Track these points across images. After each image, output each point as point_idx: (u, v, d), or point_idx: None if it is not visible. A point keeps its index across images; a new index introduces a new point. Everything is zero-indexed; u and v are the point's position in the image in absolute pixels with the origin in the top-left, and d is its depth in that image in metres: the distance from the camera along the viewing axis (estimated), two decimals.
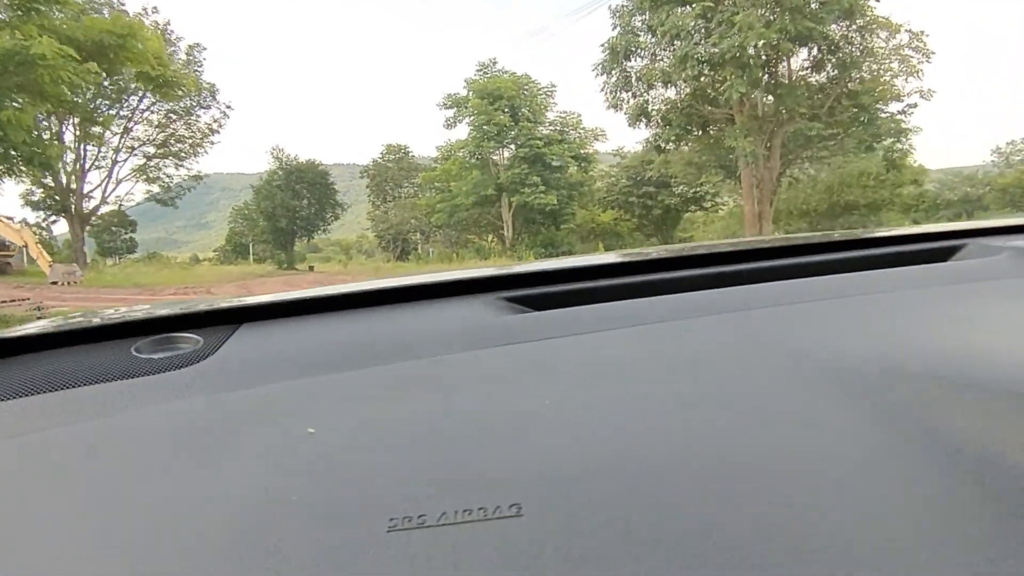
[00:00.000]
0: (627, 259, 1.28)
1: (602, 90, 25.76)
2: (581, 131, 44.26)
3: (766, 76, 23.10)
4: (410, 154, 58.65)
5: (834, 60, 23.52)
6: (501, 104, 41.27)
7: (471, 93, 42.32)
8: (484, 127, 41.01)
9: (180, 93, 34.79)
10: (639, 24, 24.45)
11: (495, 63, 43.97)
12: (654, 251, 1.48)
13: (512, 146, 42.70)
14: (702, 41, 22.35)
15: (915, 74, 22.95)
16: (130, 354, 0.91)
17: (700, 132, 26.02)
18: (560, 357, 0.85)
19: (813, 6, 22.13)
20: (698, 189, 42.67)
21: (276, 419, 0.73)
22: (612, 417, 0.68)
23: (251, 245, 60.34)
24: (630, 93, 25.55)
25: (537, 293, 1.08)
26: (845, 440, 0.60)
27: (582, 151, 44.07)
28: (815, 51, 23.66)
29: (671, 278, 1.14)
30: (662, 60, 24.48)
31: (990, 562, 0.48)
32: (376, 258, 58.11)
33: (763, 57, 22.66)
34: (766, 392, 0.71)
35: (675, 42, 23.34)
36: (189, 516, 0.58)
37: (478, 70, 43.60)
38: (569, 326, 0.93)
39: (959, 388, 0.67)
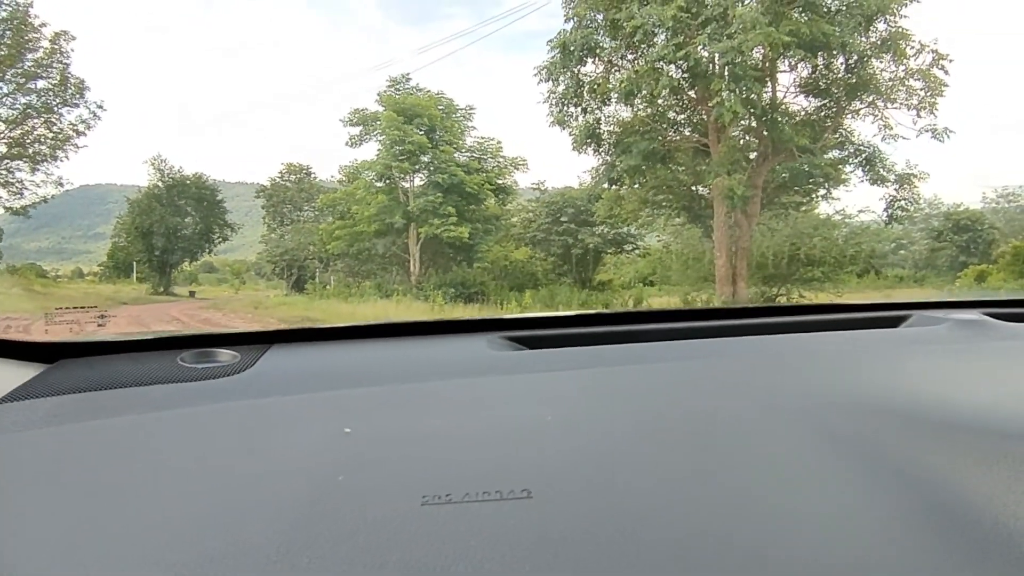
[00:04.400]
0: (621, 311, 1.46)
1: (546, 100, 18.90)
2: (501, 159, 37.73)
3: (763, 94, 16.90)
4: (312, 175, 50.94)
5: (840, 79, 17.54)
6: (418, 123, 34.45)
7: (384, 108, 35.29)
8: (396, 147, 34.07)
9: None
10: (599, 21, 17.89)
11: (408, 79, 37.11)
12: (640, 308, 1.72)
13: (425, 172, 35.90)
14: (684, 42, 16.05)
15: (930, 108, 17.20)
16: (176, 363, 0.97)
17: (660, 164, 19.69)
18: (549, 387, 0.94)
19: (832, 3, 16.02)
20: (620, 230, 37.30)
21: (313, 420, 0.80)
22: (596, 434, 0.77)
23: (135, 263, 51.73)
24: (580, 108, 18.92)
25: (531, 335, 1.17)
26: (801, 464, 0.68)
27: (500, 181, 37.56)
28: (819, 66, 17.58)
29: (652, 330, 1.22)
30: (621, 69, 18.13)
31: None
32: (263, 285, 50.03)
33: (760, 68, 16.62)
34: (733, 424, 0.78)
35: (643, 45, 17.07)
36: (243, 495, 0.65)
37: (389, 85, 36.57)
38: (557, 363, 1.03)
39: (908, 422, 0.75)
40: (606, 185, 20.33)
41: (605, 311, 1.49)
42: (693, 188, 20.80)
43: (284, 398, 0.87)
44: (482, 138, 37.61)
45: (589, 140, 18.93)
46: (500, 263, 39.05)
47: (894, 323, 1.33)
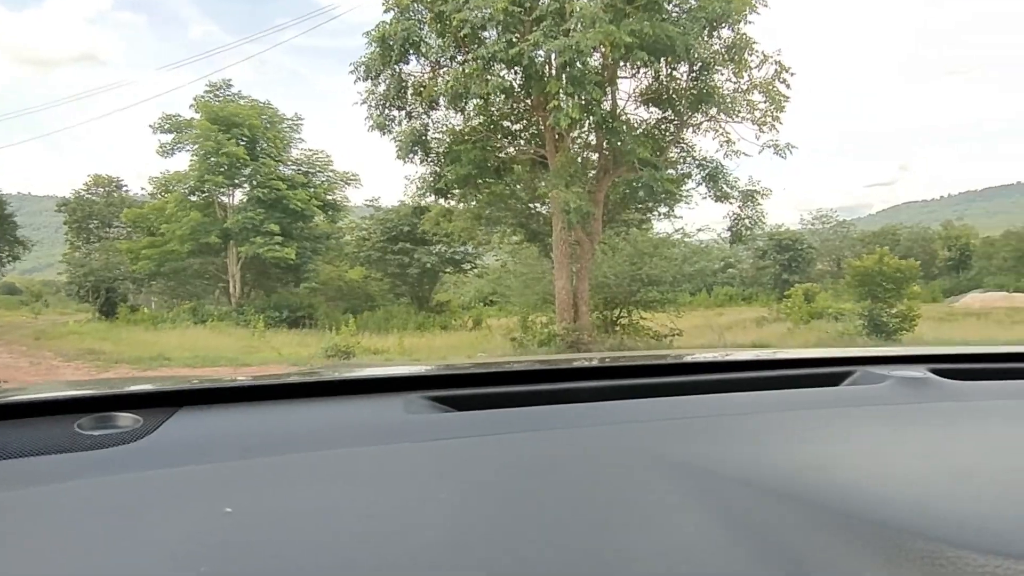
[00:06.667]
0: (547, 366, 1.40)
1: (364, 101, 16.06)
2: (331, 174, 34.76)
3: (604, 102, 15.11)
4: (124, 187, 45.61)
5: (682, 90, 16.11)
6: (237, 133, 30.91)
7: (200, 115, 31.53)
8: (211, 158, 30.40)
9: None
10: (424, 15, 15.47)
11: (230, 85, 33.49)
12: (567, 359, 1.62)
13: (246, 186, 32.42)
14: (517, 40, 14.05)
15: (772, 122, 16.12)
16: (73, 430, 0.91)
17: (494, 176, 17.62)
18: (471, 456, 0.87)
19: (674, 9, 14.34)
20: (457, 249, 35.40)
21: (200, 498, 0.75)
22: (504, 513, 0.72)
23: None
24: (404, 112, 16.47)
25: (458, 394, 1.10)
26: (709, 550, 0.63)
27: (330, 197, 34.57)
28: (662, 72, 16.08)
29: (584, 388, 1.16)
30: (450, 71, 15.84)
31: None
32: (74, 309, 44.12)
33: (600, 73, 14.88)
34: (650, 502, 0.74)
35: (473, 44, 14.93)
36: None
37: (208, 90, 32.84)
38: (486, 427, 0.95)
39: (817, 508, 0.69)
40: (431, 197, 17.98)
41: (541, 367, 1.38)
42: (531, 204, 18.95)
43: (175, 470, 0.80)
44: (310, 151, 34.61)
45: (415, 147, 16.56)
46: (334, 283, 36.37)
47: (836, 380, 1.26)
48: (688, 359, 1.50)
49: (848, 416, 1.05)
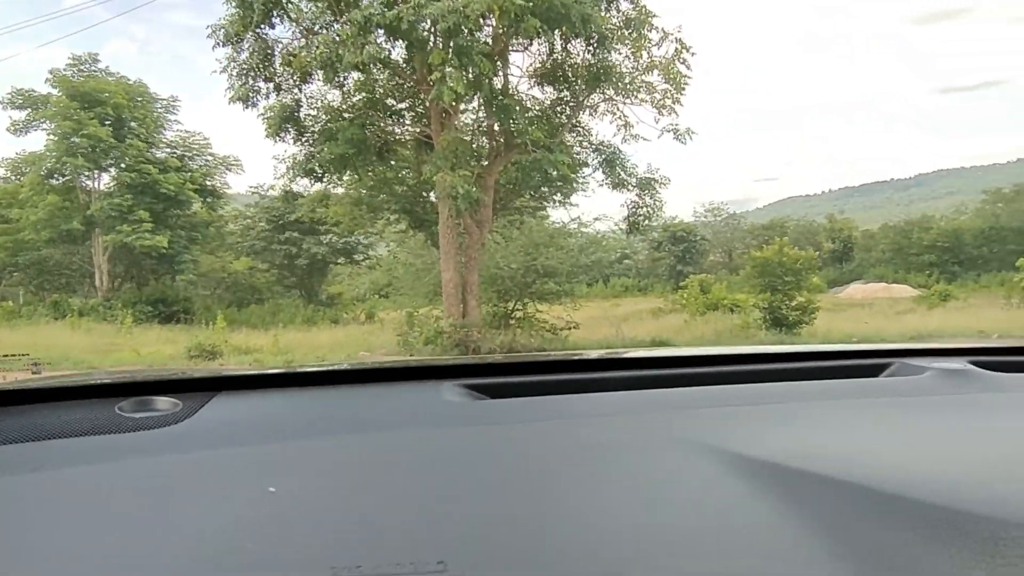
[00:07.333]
0: (579, 357, 1.40)
1: (224, 69, 13.91)
2: (209, 158, 32.05)
3: (495, 78, 13.66)
4: None
5: (579, 66, 14.83)
6: (101, 112, 27.93)
7: (58, 91, 28.37)
8: (72, 139, 27.39)
9: None
10: None
11: (97, 59, 30.34)
12: (602, 352, 1.56)
13: (113, 169, 29.47)
14: (396, 3, 12.41)
15: (672, 107, 15.06)
16: (114, 412, 0.91)
17: (376, 158, 15.93)
18: (506, 442, 0.87)
19: None
20: (349, 239, 33.42)
21: (241, 478, 0.76)
22: (539, 497, 0.73)
23: None
24: (272, 84, 14.43)
25: (493, 383, 1.09)
26: (748, 530, 0.64)
27: (209, 182, 31.86)
28: (557, 47, 14.71)
29: (615, 377, 1.15)
30: (324, 34, 14.01)
31: None
32: None
33: (491, 45, 13.41)
34: (686, 486, 0.74)
35: (350, 6, 13.19)
36: (151, 560, 0.61)
37: (71, 64, 29.65)
38: (520, 415, 0.96)
39: (875, 496, 0.68)
40: (305, 180, 16.06)
41: (575, 357, 1.40)
42: (417, 189, 17.37)
43: (214, 452, 0.81)
44: (186, 132, 31.84)
45: (287, 125, 14.67)
46: (216, 275, 33.84)
47: (874, 372, 1.25)
48: (721, 352, 1.43)
49: (890, 406, 1.03)
